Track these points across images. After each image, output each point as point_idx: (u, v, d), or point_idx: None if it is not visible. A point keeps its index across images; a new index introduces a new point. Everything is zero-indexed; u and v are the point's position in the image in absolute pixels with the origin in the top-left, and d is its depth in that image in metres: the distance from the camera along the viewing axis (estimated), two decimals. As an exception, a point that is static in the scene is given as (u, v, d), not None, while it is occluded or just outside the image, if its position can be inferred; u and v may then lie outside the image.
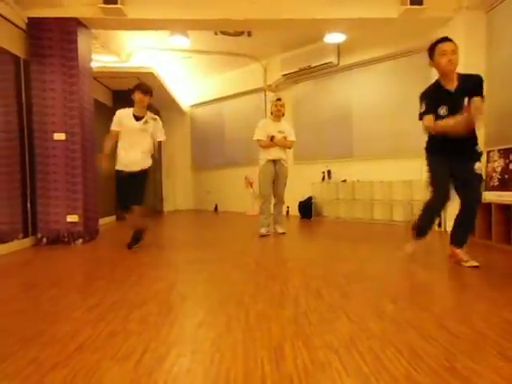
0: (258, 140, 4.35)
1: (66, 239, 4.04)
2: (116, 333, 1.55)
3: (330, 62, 6.03)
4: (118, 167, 3.58)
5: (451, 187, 2.64)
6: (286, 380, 1.16)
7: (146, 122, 3.52)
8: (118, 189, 3.63)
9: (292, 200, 6.91)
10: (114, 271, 2.74)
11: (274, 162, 4.32)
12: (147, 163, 3.62)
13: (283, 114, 4.43)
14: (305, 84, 6.82)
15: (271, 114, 4.44)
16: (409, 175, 5.22)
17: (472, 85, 2.44)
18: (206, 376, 1.20)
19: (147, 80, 6.36)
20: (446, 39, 2.44)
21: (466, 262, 2.59)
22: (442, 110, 2.45)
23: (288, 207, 7.08)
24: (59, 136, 4.01)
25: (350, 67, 6.11)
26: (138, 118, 3.51)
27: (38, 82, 3.99)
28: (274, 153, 4.29)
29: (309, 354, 1.33)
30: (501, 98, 3.89)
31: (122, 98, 6.74)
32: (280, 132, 4.32)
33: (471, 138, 2.53)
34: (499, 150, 3.88)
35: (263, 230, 4.30)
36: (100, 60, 5.71)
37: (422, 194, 5.19)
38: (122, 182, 3.57)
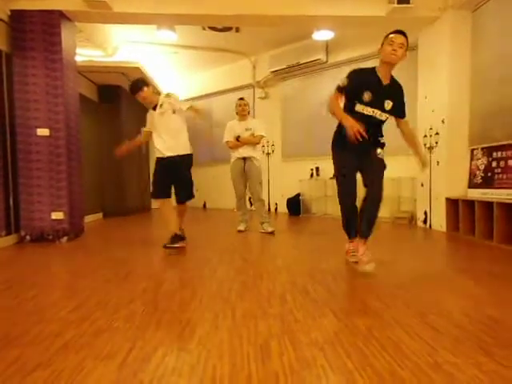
0: (226, 142, 4.48)
1: (51, 237, 3.97)
2: (101, 332, 1.54)
3: (318, 59, 6.04)
4: (157, 155, 3.41)
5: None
6: (272, 377, 1.16)
7: (161, 105, 3.32)
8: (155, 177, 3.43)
9: (280, 197, 6.94)
10: (100, 269, 2.70)
11: (244, 159, 4.40)
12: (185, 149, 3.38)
13: (248, 113, 4.55)
14: (293, 81, 6.83)
15: (236, 114, 4.52)
16: (396, 172, 5.28)
17: (396, 92, 2.49)
18: (191, 374, 1.20)
19: (133, 75, 6.28)
20: (399, 32, 2.48)
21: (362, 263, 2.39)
22: (367, 96, 2.41)
23: (276, 204, 7.10)
24: (43, 132, 3.93)
25: (338, 64, 6.13)
26: (154, 108, 3.37)
27: (21, 75, 3.89)
28: (243, 151, 4.39)
29: (294, 351, 1.34)
30: (485, 97, 3.96)
31: (108, 93, 6.67)
32: (247, 130, 4.42)
33: (379, 131, 2.54)
34: (482, 149, 3.95)
35: (241, 227, 4.52)
36: (85, 54, 5.60)
37: (410, 190, 5.28)
38: (159, 169, 3.39)
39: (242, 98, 4.58)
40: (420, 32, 4.67)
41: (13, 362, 1.29)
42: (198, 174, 8.83)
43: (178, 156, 3.32)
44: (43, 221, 3.96)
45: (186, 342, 1.45)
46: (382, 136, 2.57)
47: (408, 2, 3.97)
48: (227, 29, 5.70)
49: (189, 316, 1.72)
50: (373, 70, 2.49)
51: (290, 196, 6.63)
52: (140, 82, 3.33)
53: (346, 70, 6.63)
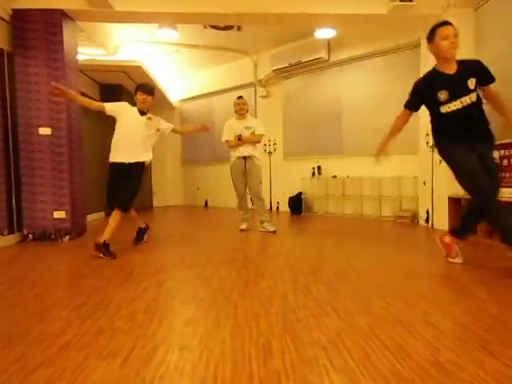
0: (226, 141, 4.44)
1: (53, 236, 3.98)
2: (103, 331, 1.54)
3: (320, 58, 6.02)
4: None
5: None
6: (274, 376, 1.16)
7: (149, 118, 3.45)
8: None
9: (282, 196, 6.93)
10: (102, 268, 2.71)
11: (245, 158, 4.37)
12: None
13: (247, 111, 4.51)
14: (295, 79, 6.81)
15: (235, 112, 4.49)
16: (398, 171, 5.28)
17: (475, 68, 2.39)
18: (193, 373, 1.20)
19: (135, 74, 6.29)
20: (447, 23, 2.35)
21: (453, 257, 2.62)
22: (442, 95, 2.37)
23: (278, 203, 7.10)
24: (45, 131, 3.93)
25: (340, 63, 6.11)
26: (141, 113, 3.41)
27: (23, 74, 3.89)
28: (244, 150, 4.36)
29: (296, 349, 1.34)
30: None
31: (110, 92, 6.67)
32: (247, 128, 4.38)
33: (484, 117, 2.45)
34: (485, 147, 3.93)
35: (243, 226, 4.51)
36: (87, 53, 5.61)
37: (411, 190, 5.27)
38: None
39: (240, 97, 4.55)
40: (422, 30, 4.64)
41: (15, 361, 1.29)
42: (199, 173, 8.92)
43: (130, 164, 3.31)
44: (45, 220, 3.97)
45: (188, 340, 1.45)
46: (487, 123, 2.46)
47: (410, 0, 3.95)
48: (229, 27, 5.69)
49: (190, 315, 1.73)
50: (434, 70, 2.45)
51: (291, 195, 6.63)
52: (153, 88, 3.53)
53: (348, 68, 6.61)
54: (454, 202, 4.15)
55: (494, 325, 1.53)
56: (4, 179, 3.77)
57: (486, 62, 3.91)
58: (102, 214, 6.66)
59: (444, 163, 4.26)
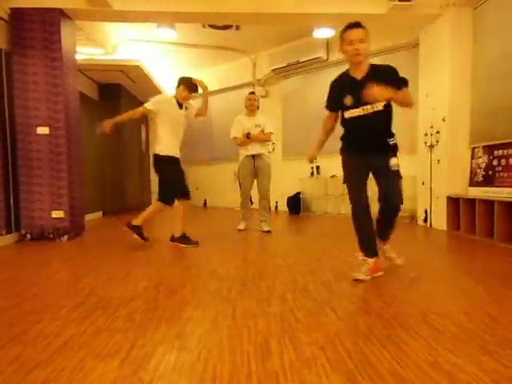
0: (234, 138, 4.35)
1: (51, 235, 3.97)
2: (101, 331, 1.54)
3: (319, 57, 6.03)
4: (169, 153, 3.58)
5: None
6: (272, 376, 1.16)
7: (186, 108, 3.62)
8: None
9: (280, 195, 6.93)
10: (101, 268, 2.70)
11: (253, 156, 4.30)
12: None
13: (258, 108, 4.41)
14: (294, 79, 6.81)
15: (245, 107, 4.41)
16: (396, 171, 5.28)
17: (383, 74, 2.22)
18: (192, 373, 1.20)
19: (133, 73, 6.28)
20: (353, 26, 2.19)
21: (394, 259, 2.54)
22: (347, 100, 2.27)
23: (277, 202, 7.10)
24: (43, 130, 3.92)
25: (339, 62, 6.10)
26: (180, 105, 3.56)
27: (21, 74, 3.88)
28: (252, 148, 4.28)
29: (295, 350, 1.33)
30: (486, 95, 3.94)
31: (108, 91, 6.65)
32: (257, 126, 4.30)
33: (384, 129, 2.31)
34: (483, 147, 3.94)
35: (241, 225, 4.43)
36: (85, 52, 5.59)
37: (409, 189, 5.27)
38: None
39: (252, 92, 4.44)
40: (421, 29, 4.65)
41: (13, 361, 1.29)
42: (198, 173, 8.91)
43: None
44: (44, 219, 3.96)
45: (186, 340, 1.45)
46: (391, 135, 2.31)
47: (409, 0, 3.95)
48: (227, 27, 5.69)
49: (189, 315, 1.72)
50: (345, 72, 2.36)
51: (290, 194, 6.63)
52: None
53: (347, 67, 6.58)
54: (452, 201, 4.16)
55: (492, 325, 1.53)
56: (2, 179, 3.76)
57: (484, 61, 3.97)
58: (100, 213, 6.64)
59: (442, 163, 4.31)
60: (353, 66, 2.29)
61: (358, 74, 2.26)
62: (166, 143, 3.45)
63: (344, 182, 2.46)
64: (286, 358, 1.27)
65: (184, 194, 3.53)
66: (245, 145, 4.30)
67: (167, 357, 1.30)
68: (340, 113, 2.41)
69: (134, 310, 1.79)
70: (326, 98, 2.48)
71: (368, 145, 2.30)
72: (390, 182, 2.30)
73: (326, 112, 2.53)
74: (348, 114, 2.32)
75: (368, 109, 2.24)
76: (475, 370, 1.17)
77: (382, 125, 2.29)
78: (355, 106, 2.27)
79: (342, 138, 2.50)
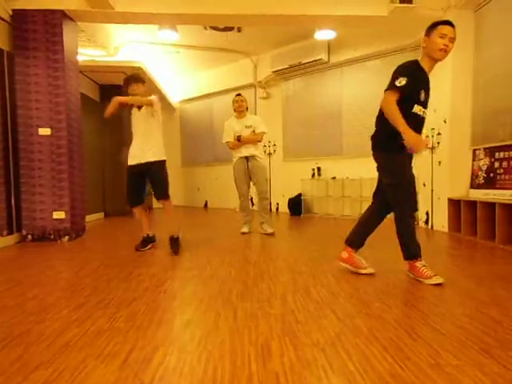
0: (226, 143, 4.33)
1: (52, 236, 3.98)
2: (102, 331, 1.54)
3: (320, 59, 6.03)
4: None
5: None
6: (273, 378, 1.16)
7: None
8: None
9: (281, 197, 6.93)
10: (101, 269, 2.70)
11: (247, 158, 4.27)
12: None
13: (247, 109, 4.38)
14: (295, 81, 6.82)
15: (234, 110, 4.38)
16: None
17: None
18: (192, 374, 1.20)
19: (136, 75, 6.27)
20: (450, 23, 2.17)
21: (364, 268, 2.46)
22: (423, 95, 2.19)
23: (278, 204, 7.10)
24: (44, 131, 3.93)
25: (340, 64, 6.12)
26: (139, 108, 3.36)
27: (23, 75, 3.89)
28: (245, 150, 4.26)
29: (295, 351, 1.33)
30: (487, 97, 3.94)
31: (110, 93, 6.66)
32: (248, 127, 4.26)
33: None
34: (485, 149, 3.94)
35: (244, 229, 4.37)
36: (87, 53, 5.61)
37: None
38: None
39: (239, 94, 4.39)
40: (423, 32, 4.64)
41: (15, 361, 1.29)
42: (199, 174, 8.92)
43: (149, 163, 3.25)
44: (45, 220, 3.97)
45: (187, 342, 1.45)
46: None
47: (410, 2, 3.96)
48: (229, 28, 5.70)
49: (190, 316, 1.72)
50: (418, 64, 2.21)
51: (291, 196, 6.63)
52: (140, 77, 3.37)
53: (348, 69, 6.61)
54: (453, 203, 4.16)
55: (494, 327, 1.53)
56: (3, 179, 3.77)
57: (486, 63, 3.97)
58: (101, 214, 6.65)
59: (444, 165, 4.30)
60: (428, 61, 2.20)
61: (429, 72, 2.21)
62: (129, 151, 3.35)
63: (400, 184, 2.25)
64: (287, 360, 1.27)
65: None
66: (238, 148, 4.27)
67: (168, 358, 1.30)
68: (404, 104, 2.13)
69: (134, 310, 1.79)
70: (401, 78, 2.10)
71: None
72: None
73: (392, 93, 2.12)
74: (416, 109, 2.18)
75: (426, 112, 2.25)
76: (477, 373, 1.17)
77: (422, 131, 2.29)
78: (424, 104, 2.21)
79: (393, 136, 2.15)
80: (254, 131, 4.27)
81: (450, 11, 4.15)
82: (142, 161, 3.25)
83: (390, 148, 2.23)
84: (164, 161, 3.35)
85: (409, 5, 3.97)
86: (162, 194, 3.34)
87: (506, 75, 3.64)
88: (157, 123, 3.31)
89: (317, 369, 1.21)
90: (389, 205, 2.37)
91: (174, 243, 3.27)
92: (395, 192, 2.28)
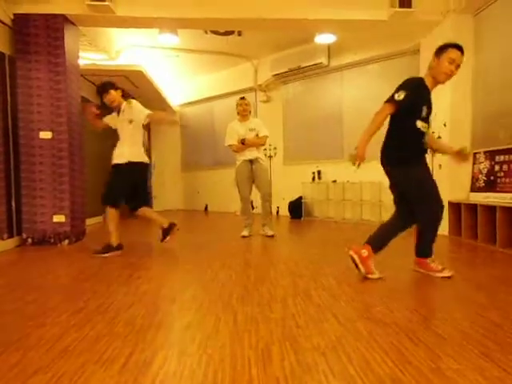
0: (229, 146, 4.34)
1: (52, 240, 3.97)
2: (102, 336, 1.53)
3: (320, 63, 6.05)
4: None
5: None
6: (273, 382, 1.15)
7: (122, 111, 3.40)
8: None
9: (282, 200, 6.93)
10: (101, 273, 2.70)
11: (251, 161, 4.30)
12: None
13: (250, 112, 4.42)
14: (295, 84, 6.84)
15: (238, 114, 4.41)
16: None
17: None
18: (192, 379, 1.19)
19: (136, 78, 6.31)
20: (460, 48, 2.26)
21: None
22: (424, 112, 2.28)
23: (278, 207, 7.09)
24: (45, 134, 3.94)
25: (340, 68, 6.14)
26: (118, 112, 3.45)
27: (24, 79, 3.91)
28: (249, 153, 4.28)
29: (296, 355, 1.33)
30: (487, 101, 3.95)
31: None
32: (251, 130, 4.30)
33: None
34: (485, 152, 3.94)
35: (245, 232, 4.35)
36: (88, 57, 5.63)
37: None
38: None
39: (243, 98, 4.43)
40: (422, 36, 4.67)
41: (14, 366, 1.29)
42: (200, 178, 8.92)
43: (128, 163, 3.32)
44: (45, 224, 3.97)
45: (187, 346, 1.44)
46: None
47: (410, 6, 3.97)
48: (229, 32, 5.72)
49: (189, 320, 1.72)
50: (423, 81, 2.34)
51: (291, 199, 6.62)
52: (108, 85, 3.41)
53: (348, 73, 6.61)
54: (454, 207, 4.15)
55: (494, 331, 1.52)
56: (4, 183, 3.77)
57: (484, 68, 3.98)
58: (101, 218, 6.65)
59: (444, 168, 4.30)
60: (432, 82, 2.34)
61: (431, 90, 2.34)
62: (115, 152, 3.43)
63: (424, 189, 2.41)
64: (287, 364, 1.26)
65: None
66: (241, 151, 4.30)
67: (167, 362, 1.30)
68: (407, 119, 2.29)
69: (134, 314, 1.78)
70: (401, 92, 2.22)
71: (421, 158, 2.40)
72: None
73: (388, 106, 2.26)
74: (420, 125, 2.30)
75: (427, 128, 2.36)
76: (478, 377, 1.16)
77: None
78: (426, 119, 2.32)
79: (403, 149, 2.35)
80: (257, 135, 4.31)
81: (449, 15, 4.17)
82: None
83: (405, 162, 2.36)
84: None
85: (408, 9, 3.98)
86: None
87: (505, 78, 3.65)
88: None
89: (317, 373, 1.21)
90: (413, 214, 2.49)
91: (166, 232, 3.52)
92: (422, 202, 2.43)
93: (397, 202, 2.56)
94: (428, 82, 2.33)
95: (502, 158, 3.67)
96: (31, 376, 1.22)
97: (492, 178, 3.79)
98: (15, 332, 1.59)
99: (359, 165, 2.29)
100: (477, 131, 4.12)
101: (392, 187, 2.54)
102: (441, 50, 2.29)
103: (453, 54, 2.23)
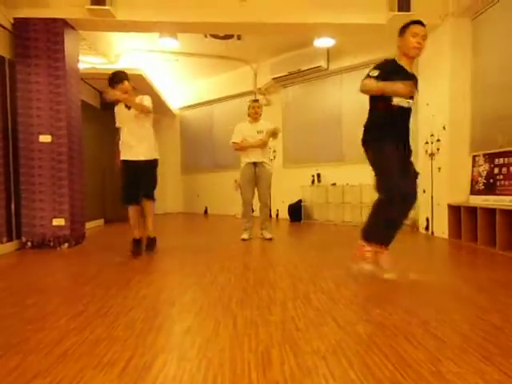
0: (232, 143, 4.34)
1: (52, 243, 3.97)
2: (101, 340, 1.53)
3: (319, 66, 6.08)
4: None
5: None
6: (273, 386, 1.15)
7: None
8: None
9: (281, 203, 6.93)
10: (101, 276, 2.69)
11: (255, 164, 4.30)
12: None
13: (260, 115, 4.43)
14: (294, 88, 6.86)
15: (248, 115, 4.43)
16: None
17: (416, 79, 2.42)
18: (192, 383, 1.19)
19: (136, 82, 6.32)
20: (420, 22, 2.38)
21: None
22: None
23: (278, 210, 7.09)
24: (45, 138, 3.95)
25: (339, 71, 6.16)
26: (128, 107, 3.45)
27: (24, 83, 3.92)
28: (253, 156, 4.27)
29: (296, 359, 1.32)
30: (486, 104, 3.96)
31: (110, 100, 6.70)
32: (259, 132, 4.31)
33: (409, 126, 2.46)
34: (484, 155, 3.95)
35: (245, 235, 4.34)
36: (88, 61, 5.65)
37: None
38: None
39: (256, 100, 4.43)
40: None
41: (12, 370, 1.28)
42: (199, 181, 8.93)
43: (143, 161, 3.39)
44: (44, 227, 3.96)
45: (187, 350, 1.44)
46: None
47: (409, 10, 4.00)
48: (229, 36, 5.75)
49: (189, 324, 1.71)
50: (393, 60, 2.41)
51: (291, 202, 6.63)
52: (123, 74, 3.42)
53: (347, 77, 6.65)
54: (453, 210, 4.16)
55: (495, 334, 1.52)
56: (3, 186, 3.77)
57: (483, 71, 3.99)
58: (101, 221, 6.64)
59: (443, 171, 4.31)
60: (405, 59, 2.39)
61: (408, 68, 2.38)
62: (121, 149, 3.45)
63: (381, 171, 2.38)
64: (287, 368, 1.26)
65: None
66: (242, 150, 4.30)
67: (167, 366, 1.29)
68: (383, 97, 2.30)
69: (133, 318, 1.78)
70: (374, 70, 2.30)
71: (403, 136, 2.40)
72: (413, 179, 2.42)
73: (371, 80, 2.27)
74: (396, 101, 2.31)
75: (410, 103, 2.36)
76: (478, 380, 1.16)
77: (409, 121, 2.44)
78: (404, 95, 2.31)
79: (375, 127, 2.43)
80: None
81: (448, 19, 4.19)
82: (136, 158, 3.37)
83: (375, 137, 2.41)
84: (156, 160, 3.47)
85: (407, 13, 4.00)
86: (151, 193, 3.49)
87: (503, 81, 3.67)
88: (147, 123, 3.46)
89: (318, 377, 1.20)
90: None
91: (151, 242, 3.53)
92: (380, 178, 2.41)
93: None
94: (402, 62, 2.40)
95: (501, 160, 3.68)
96: (30, 380, 1.21)
97: (491, 180, 3.80)
98: (14, 336, 1.58)
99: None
100: (476, 134, 4.13)
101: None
102: (402, 28, 2.41)
103: (414, 28, 2.35)
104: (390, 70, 2.34)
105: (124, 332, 1.61)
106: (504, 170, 3.63)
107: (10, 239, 3.85)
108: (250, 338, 1.52)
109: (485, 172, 3.91)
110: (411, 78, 2.35)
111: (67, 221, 3.99)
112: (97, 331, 1.62)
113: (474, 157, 4.12)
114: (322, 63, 6.03)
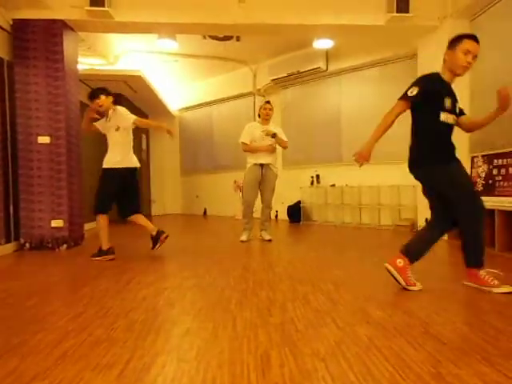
0: (241, 143, 4.30)
1: (50, 245, 3.96)
2: (100, 342, 1.52)
3: (318, 68, 6.09)
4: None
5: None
6: (273, 388, 1.14)
7: (109, 119, 3.38)
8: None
9: (281, 204, 6.93)
10: (100, 278, 2.69)
11: (262, 166, 4.26)
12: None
13: (271, 118, 4.41)
14: (293, 89, 6.87)
15: (259, 116, 4.40)
16: (396, 180, 5.28)
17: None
18: (191, 385, 1.18)
19: (135, 83, 6.33)
20: (476, 39, 2.15)
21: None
22: (448, 102, 2.17)
23: (277, 211, 7.09)
24: (44, 139, 3.94)
25: (338, 73, 6.17)
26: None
27: (22, 84, 3.92)
28: (262, 157, 4.25)
29: (295, 361, 1.32)
30: (484, 105, 3.96)
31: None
32: (264, 131, 4.27)
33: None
34: (483, 156, 3.95)
35: (243, 237, 4.31)
36: (87, 62, 5.65)
37: (410, 198, 5.27)
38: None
39: (268, 102, 4.41)
40: (419, 41, 4.70)
41: (11, 372, 1.27)
42: (198, 182, 8.93)
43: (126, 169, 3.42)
44: (43, 229, 3.95)
45: (186, 351, 1.43)
46: None
47: (407, 11, 4.01)
48: (228, 38, 5.75)
49: (188, 325, 1.71)
50: (438, 74, 2.25)
51: (290, 203, 6.63)
52: (99, 90, 3.37)
53: (346, 78, 6.65)
54: (452, 210, 4.15)
55: (495, 336, 1.52)
56: (2, 187, 3.76)
57: (481, 72, 4.00)
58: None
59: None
60: (450, 75, 2.23)
61: (451, 83, 2.24)
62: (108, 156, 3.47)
63: (457, 190, 2.14)
64: (287, 370, 1.26)
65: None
66: (250, 152, 4.26)
67: (166, 368, 1.29)
68: (428, 113, 2.17)
69: (132, 320, 1.77)
70: (413, 87, 2.15)
71: (454, 153, 2.22)
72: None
73: (401, 103, 2.17)
74: (444, 117, 2.15)
75: (455, 119, 2.23)
76: (478, 382, 1.16)
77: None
78: (451, 111, 2.19)
79: (429, 147, 2.19)
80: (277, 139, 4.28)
81: (446, 20, 4.20)
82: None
83: (437, 160, 2.17)
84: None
85: (405, 14, 4.02)
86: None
87: (502, 82, 3.65)
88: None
89: (317, 379, 1.20)
90: (451, 220, 2.27)
91: (156, 239, 3.47)
92: (460, 202, 2.15)
93: (432, 206, 2.36)
94: (445, 76, 2.24)
95: (500, 161, 3.68)
96: (29, 382, 1.21)
97: (490, 181, 3.80)
98: (13, 337, 1.58)
99: (361, 165, 2.23)
100: (475, 135, 4.12)
101: (424, 191, 2.36)
102: (454, 41, 2.19)
103: (467, 44, 2.13)
104: (434, 80, 2.21)
105: (123, 333, 1.60)
106: (503, 170, 3.64)
107: (8, 240, 3.84)
108: (250, 339, 1.52)
109: (484, 173, 3.92)
110: (453, 97, 2.21)
111: (66, 222, 3.99)
112: (96, 333, 1.61)
113: (473, 158, 4.13)
114: (321, 64, 6.04)
